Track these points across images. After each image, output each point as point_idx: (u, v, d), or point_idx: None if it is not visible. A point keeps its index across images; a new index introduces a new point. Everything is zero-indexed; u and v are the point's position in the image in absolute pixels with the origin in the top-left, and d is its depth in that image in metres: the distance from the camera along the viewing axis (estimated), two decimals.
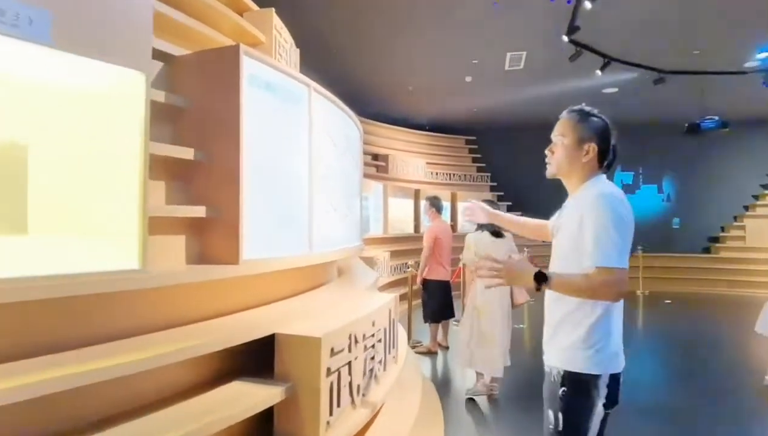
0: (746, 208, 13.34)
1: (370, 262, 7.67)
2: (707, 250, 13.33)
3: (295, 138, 2.83)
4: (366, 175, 9.79)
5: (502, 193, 13.71)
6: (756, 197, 13.34)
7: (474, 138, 14.24)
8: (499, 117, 12.69)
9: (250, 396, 2.07)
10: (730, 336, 7.76)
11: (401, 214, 10.67)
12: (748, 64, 8.61)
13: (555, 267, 1.92)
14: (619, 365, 1.84)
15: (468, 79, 9.38)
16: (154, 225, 2.18)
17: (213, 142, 2.35)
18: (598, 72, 8.37)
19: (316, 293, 3.27)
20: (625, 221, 1.76)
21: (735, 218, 13.38)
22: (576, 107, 2.03)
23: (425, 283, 6.31)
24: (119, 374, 1.63)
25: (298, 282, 3.05)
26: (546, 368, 1.90)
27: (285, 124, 2.73)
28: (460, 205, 12.26)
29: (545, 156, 2.00)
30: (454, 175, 13.10)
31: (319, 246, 3.09)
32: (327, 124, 3.28)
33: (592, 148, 1.90)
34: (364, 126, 11.47)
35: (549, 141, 2.04)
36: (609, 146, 1.95)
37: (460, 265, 5.61)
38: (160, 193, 2.29)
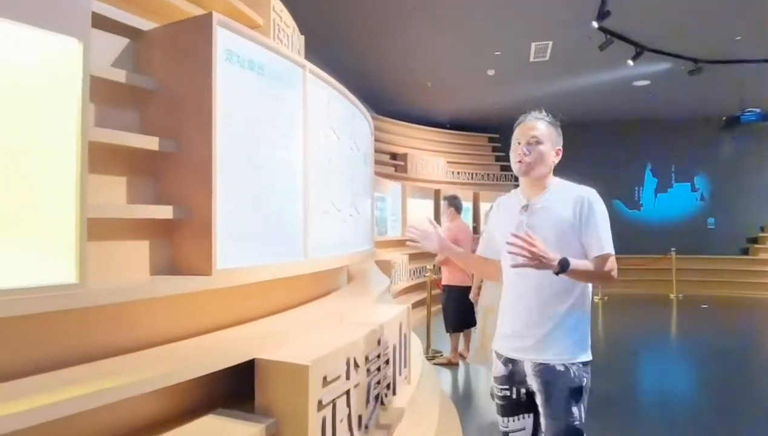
0: None
1: (386, 266, 7.28)
2: (745, 251, 12.59)
3: (287, 126, 2.45)
4: (383, 175, 9.41)
5: None
6: None
7: (497, 136, 13.74)
8: (522, 112, 12.08)
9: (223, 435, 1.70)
10: None
11: (420, 216, 10.25)
12: None
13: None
14: None
15: (491, 72, 8.93)
16: (112, 229, 1.82)
17: (183, 129, 1.98)
18: (630, 62, 7.85)
19: (316, 305, 2.88)
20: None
21: None
22: (543, 112, 2.18)
23: (445, 289, 5.89)
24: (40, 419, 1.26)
25: (292, 293, 2.67)
26: (559, 367, 1.90)
27: (274, 110, 2.35)
28: (483, 206, 11.78)
29: (525, 154, 2.05)
30: (476, 174, 12.63)
31: (317, 251, 2.71)
32: (328, 113, 2.90)
33: (560, 151, 2.12)
34: (381, 124, 11.13)
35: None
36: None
37: None
38: (120, 190, 1.92)
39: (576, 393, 1.88)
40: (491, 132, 13.66)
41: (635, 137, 12.75)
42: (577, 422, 1.87)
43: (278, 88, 2.40)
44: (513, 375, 2.03)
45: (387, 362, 2.65)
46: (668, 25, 7.11)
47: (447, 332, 5.94)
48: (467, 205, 11.42)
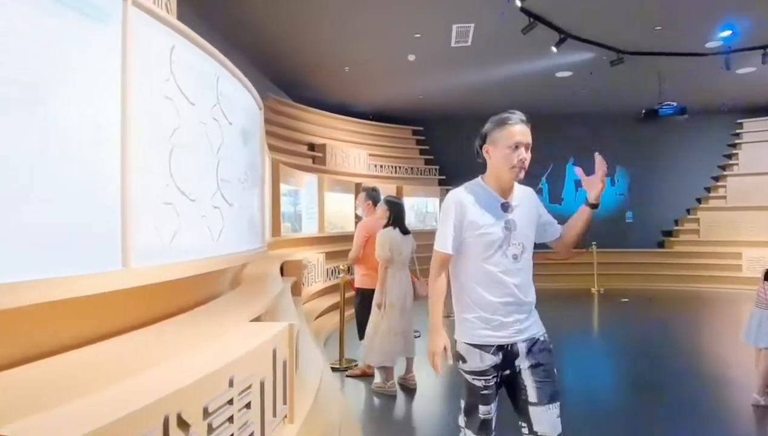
0: (699, 200, 12.94)
1: (296, 266, 6.55)
2: (661, 244, 12.86)
3: (93, 75, 1.69)
4: (299, 167, 8.66)
5: (450, 188, 12.76)
6: (708, 190, 12.96)
7: (421, 128, 13.28)
8: (447, 105, 11.76)
9: None
10: (700, 340, 7.05)
11: (340, 211, 9.57)
12: (710, 44, 7.96)
13: (525, 251, 2.19)
14: None
15: (411, 57, 8.37)
16: None
17: None
18: (553, 49, 7.53)
19: (156, 329, 2.13)
20: None
21: (688, 211, 12.96)
22: (524, 115, 2.19)
23: (358, 292, 5.23)
24: None
25: (110, 316, 1.91)
26: (541, 338, 2.19)
27: (70, 52, 1.59)
28: (407, 201, 11.26)
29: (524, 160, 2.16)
30: (400, 168, 12.10)
31: (151, 257, 1.96)
32: (172, 68, 2.15)
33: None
34: (296, 112, 10.32)
35: None
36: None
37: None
38: None
39: (552, 358, 2.19)
40: (416, 124, 13.18)
41: (558, 130, 12.67)
42: (558, 380, 2.16)
43: (77, 22, 1.63)
44: (504, 360, 2.13)
45: (248, 405, 1.94)
46: (591, 11, 6.83)
47: (361, 339, 5.29)
48: None
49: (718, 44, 7.90)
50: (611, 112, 12.16)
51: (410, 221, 11.48)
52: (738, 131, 12.81)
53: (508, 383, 2.17)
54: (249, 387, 1.94)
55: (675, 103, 9.31)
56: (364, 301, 5.08)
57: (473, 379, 2.13)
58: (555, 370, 2.16)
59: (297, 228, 7.82)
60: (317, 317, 6.73)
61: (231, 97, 2.82)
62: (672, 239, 12.72)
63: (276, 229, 6.86)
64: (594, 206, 2.18)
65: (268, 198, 6.19)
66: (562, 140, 12.32)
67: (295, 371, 3.38)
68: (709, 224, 12.23)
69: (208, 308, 2.76)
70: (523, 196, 2.22)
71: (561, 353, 6.36)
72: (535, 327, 2.18)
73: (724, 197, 12.45)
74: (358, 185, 10.06)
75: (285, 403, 2.37)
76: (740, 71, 9.22)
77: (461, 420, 2.20)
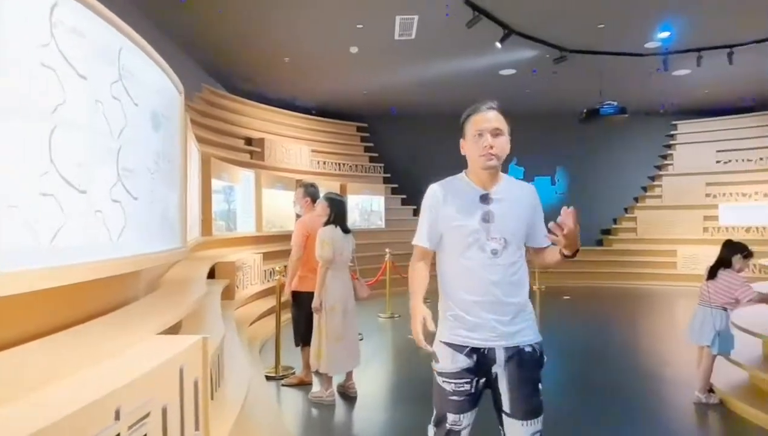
0: (636, 199, 13.30)
1: (228, 268, 6.13)
2: (601, 242, 13.13)
3: None
4: (235, 162, 8.21)
5: (396, 186, 12.62)
6: (645, 189, 13.34)
7: (366, 125, 13.01)
8: (392, 101, 11.53)
9: None
10: (640, 337, 7.11)
11: (280, 208, 9.14)
12: (649, 45, 8.08)
13: (508, 247, 2.01)
14: None
15: (353, 50, 8.07)
16: None
17: None
18: (498, 44, 7.42)
19: (30, 348, 1.75)
20: None
21: (626, 210, 13.30)
22: (495, 102, 2.10)
23: (295, 296, 4.86)
24: None
25: None
26: (528, 348, 2.00)
27: None
28: (351, 199, 10.97)
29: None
30: (344, 165, 11.78)
31: (23, 259, 1.58)
32: (54, 31, 1.76)
33: (510, 140, 2.07)
34: (234, 105, 9.80)
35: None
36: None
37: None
38: None
39: (538, 371, 2.01)
40: (360, 121, 12.90)
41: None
42: (542, 397, 1.99)
43: None
44: (478, 365, 2.00)
45: None
46: (535, 7, 6.75)
47: (297, 345, 4.94)
48: None
49: (657, 45, 8.03)
50: (554, 111, 12.29)
51: (354, 219, 11.24)
52: (672, 132, 13.25)
53: (490, 388, 2.04)
54: (146, 416, 1.60)
55: (615, 103, 9.45)
56: (301, 305, 4.71)
57: (443, 381, 2.04)
58: (540, 385, 2.00)
59: (232, 227, 7.37)
60: (253, 323, 6.33)
61: (139, 74, 2.43)
62: (611, 237, 13.02)
63: (207, 227, 6.41)
64: (570, 257, 1.95)
65: (197, 194, 5.75)
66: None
67: (217, 387, 3.03)
68: (646, 222, 12.59)
69: (111, 318, 2.37)
70: (512, 190, 2.08)
71: None
72: (522, 335, 2.01)
73: (660, 197, 12.85)
74: (299, 182, 9.66)
75: (197, 429, 2.03)
76: (676, 73, 9.46)
77: (430, 430, 2.10)
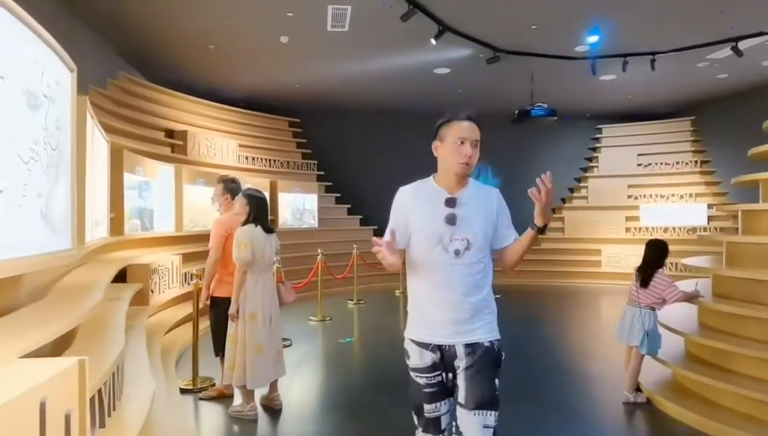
0: (564, 200, 13.65)
1: (141, 271, 5.62)
2: None
3: None
4: (154, 156, 7.63)
5: (330, 184, 12.28)
6: (572, 190, 13.72)
7: (298, 120, 12.58)
8: (326, 96, 11.19)
9: None
10: (569, 336, 7.19)
11: (202, 206, 8.56)
12: (579, 48, 8.21)
13: (470, 248, 2.10)
14: None
15: (284, 39, 7.67)
16: None
17: None
18: (432, 41, 7.28)
19: None
20: None
21: (554, 211, 13.63)
22: (474, 114, 2.23)
23: (213, 301, 4.47)
24: None
25: None
26: (486, 344, 2.11)
27: None
28: (283, 197, 10.55)
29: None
30: (275, 161, 11.31)
31: None
32: None
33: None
34: (155, 94, 9.11)
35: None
36: None
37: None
38: None
39: (496, 367, 2.12)
40: (293, 116, 12.46)
41: (433, 127, 12.65)
42: (497, 393, 2.09)
43: None
44: (443, 360, 2.11)
45: None
46: (470, 4, 6.65)
47: (216, 355, 4.55)
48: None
49: (586, 49, 8.17)
50: (486, 112, 12.31)
51: (286, 218, 10.82)
52: (598, 136, 13.70)
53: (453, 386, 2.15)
54: None
55: (546, 105, 9.58)
56: (219, 311, 4.32)
57: (416, 376, 2.16)
58: (496, 380, 2.10)
59: (148, 226, 6.80)
60: (169, 331, 5.83)
61: (3, 42, 2.02)
62: (540, 236, 13.22)
63: (118, 226, 5.85)
64: (541, 230, 2.16)
65: (105, 190, 5.22)
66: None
67: (112, 410, 2.63)
68: (572, 222, 12.93)
69: None
70: (477, 193, 2.20)
71: None
72: (480, 332, 2.12)
73: (586, 197, 13.23)
74: (219, 178, 9.13)
75: None
76: (603, 78, 9.71)
77: (415, 418, 2.21)
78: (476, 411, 2.04)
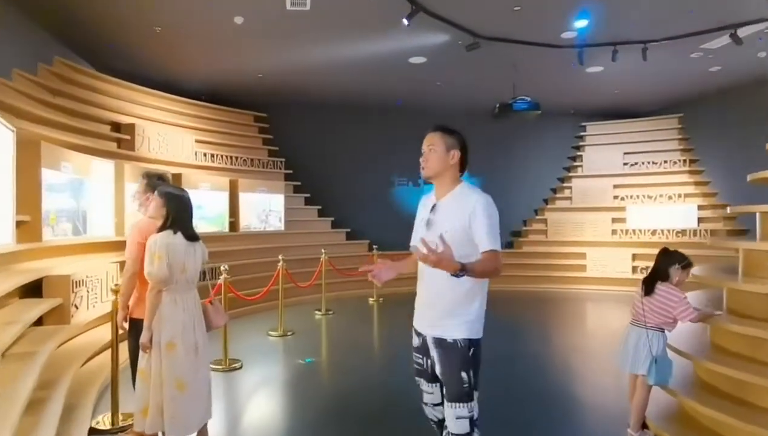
0: (546, 201, 13.01)
1: (62, 283, 4.75)
2: (510, 245, 12.71)
3: None
4: (98, 152, 6.78)
5: (299, 184, 11.45)
6: (555, 191, 13.09)
7: (265, 115, 11.73)
8: (293, 88, 10.35)
9: None
10: (556, 351, 6.45)
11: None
12: (566, 35, 7.53)
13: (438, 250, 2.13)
14: None
15: (238, 20, 6.83)
16: None
17: None
18: (405, 21, 6.52)
19: None
20: (497, 215, 2.37)
21: (536, 212, 12.98)
22: (440, 125, 2.56)
23: (132, 323, 3.63)
24: None
25: None
26: (449, 340, 2.36)
27: None
28: (246, 197, 9.70)
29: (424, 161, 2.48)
30: (237, 158, 10.43)
31: None
32: None
33: (456, 154, 2.48)
34: (98, 84, 8.02)
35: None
36: (467, 156, 2.53)
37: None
38: None
39: (464, 363, 2.34)
40: (259, 110, 11.59)
41: (411, 123, 11.90)
42: (466, 386, 2.33)
43: None
44: (423, 346, 2.51)
45: None
46: None
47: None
48: (220, 194, 9.21)
49: (573, 35, 7.49)
50: (465, 106, 11.66)
51: (250, 221, 9.97)
52: (582, 133, 13.10)
53: None
54: None
55: (529, 99, 8.90)
56: (139, 335, 3.50)
57: (413, 353, 2.61)
58: (462, 374, 2.33)
59: (80, 230, 5.92)
60: (96, 355, 4.93)
61: None
62: (521, 239, 12.62)
63: (32, 231, 4.98)
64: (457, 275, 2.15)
65: (9, 188, 4.35)
66: (412, 133, 11.57)
67: None
68: (555, 224, 12.30)
69: None
70: (457, 199, 2.41)
71: (396, 368, 5.38)
72: (448, 330, 2.37)
73: (570, 198, 12.62)
74: (178, 176, 8.27)
75: None
76: (590, 70, 9.07)
77: None
78: (450, 403, 2.35)
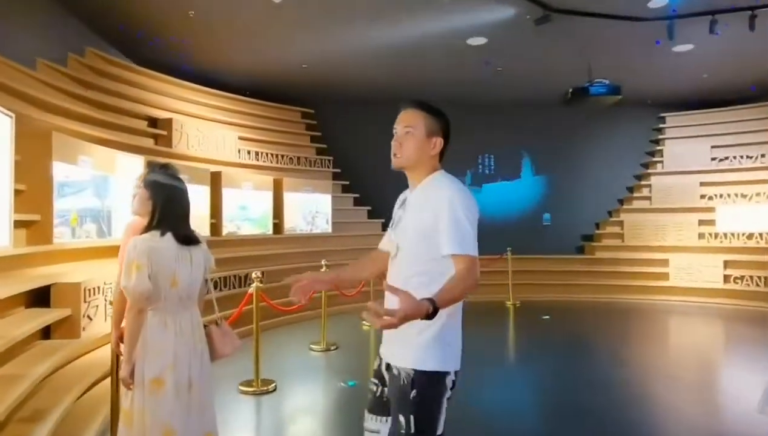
0: (621, 201, 11.71)
1: (72, 292, 4.17)
2: (581, 250, 11.50)
3: None
4: (131, 148, 6.30)
5: (347, 183, 10.74)
6: (631, 190, 11.76)
7: (313, 111, 11.09)
8: (340, 79, 9.62)
9: None
10: (647, 381, 5.32)
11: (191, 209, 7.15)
12: (654, 3, 6.40)
13: (401, 256, 1.88)
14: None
15: None
16: None
17: None
18: None
19: None
20: (475, 213, 1.81)
21: (610, 214, 11.69)
22: (420, 100, 1.94)
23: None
24: None
25: None
26: (394, 370, 1.83)
27: None
28: (290, 198, 9.06)
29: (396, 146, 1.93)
30: (282, 156, 9.82)
31: None
32: None
33: (439, 141, 1.92)
34: (134, 76, 7.54)
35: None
36: (448, 143, 1.96)
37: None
38: None
39: (402, 403, 1.78)
40: (306, 106, 10.97)
41: (467, 116, 10.96)
42: (403, 431, 1.76)
43: None
44: (378, 370, 1.97)
45: None
46: None
47: None
48: (264, 194, 8.59)
49: (665, 3, 6.36)
50: (527, 96, 10.58)
51: (296, 223, 9.35)
52: (661, 126, 11.73)
53: None
54: None
55: (607, 81, 7.78)
56: None
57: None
58: (400, 417, 1.77)
59: (105, 232, 5.38)
60: (102, 379, 4.23)
61: None
62: (593, 244, 11.37)
63: (43, 232, 4.43)
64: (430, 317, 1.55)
65: (6, 179, 3.78)
66: (470, 130, 10.66)
67: None
68: (633, 227, 10.98)
69: None
70: (425, 192, 1.90)
71: (471, 386, 4.53)
72: (397, 355, 1.84)
73: (649, 198, 11.27)
74: (216, 175, 7.70)
75: None
76: (677, 48, 7.85)
77: None
78: None
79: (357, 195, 10.71)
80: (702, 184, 10.77)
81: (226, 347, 2.65)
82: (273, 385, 4.83)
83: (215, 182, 7.60)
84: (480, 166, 11.62)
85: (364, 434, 1.97)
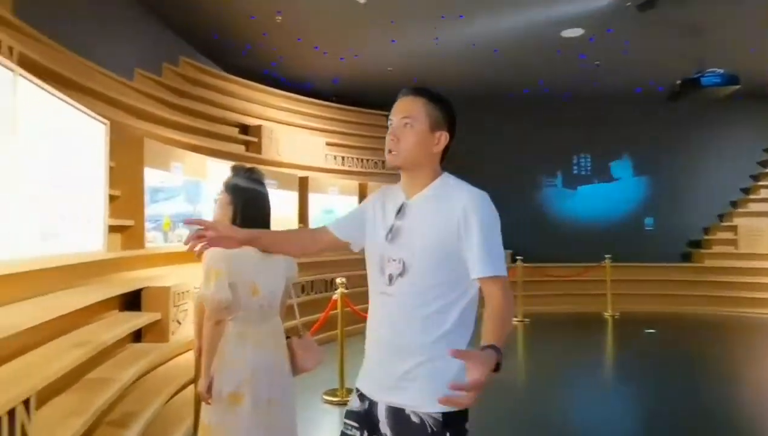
0: (734, 204, 10.59)
1: (161, 296, 4.25)
2: (688, 257, 10.51)
3: None
4: (224, 154, 6.48)
5: None
6: (746, 191, 10.60)
7: None
8: (425, 81, 9.42)
9: None
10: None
11: (278, 214, 7.21)
12: None
13: (412, 275, 1.50)
14: None
15: None
16: None
17: None
18: None
19: None
20: (499, 224, 1.53)
21: (721, 218, 10.59)
22: (421, 87, 1.66)
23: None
24: None
25: None
26: (413, 418, 1.45)
27: None
28: None
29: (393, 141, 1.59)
30: (367, 161, 9.76)
31: None
32: None
33: (444, 136, 1.61)
34: (225, 84, 7.79)
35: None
36: (453, 140, 1.65)
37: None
38: None
39: None
40: (390, 108, 10.84)
41: (561, 115, 10.35)
42: None
43: None
44: (367, 416, 1.56)
45: None
46: None
47: None
48: (349, 199, 8.54)
49: None
50: (626, 91, 9.84)
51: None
52: None
53: None
54: None
55: (721, 71, 7.00)
56: None
57: (345, 417, 1.63)
58: None
59: (174, 237, 5.49)
60: (190, 383, 4.24)
61: None
62: (702, 251, 10.34)
63: (134, 237, 4.56)
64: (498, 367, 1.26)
65: (102, 189, 3.90)
66: (564, 130, 10.07)
67: None
68: (748, 233, 9.87)
69: None
70: (437, 196, 1.57)
71: (567, 407, 4.14)
72: (409, 394, 1.46)
73: (767, 200, 10.12)
74: (303, 180, 7.75)
75: None
76: None
77: None
78: None
79: None
80: None
81: (308, 362, 2.49)
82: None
83: (302, 187, 7.65)
84: (574, 167, 10.96)
85: None
